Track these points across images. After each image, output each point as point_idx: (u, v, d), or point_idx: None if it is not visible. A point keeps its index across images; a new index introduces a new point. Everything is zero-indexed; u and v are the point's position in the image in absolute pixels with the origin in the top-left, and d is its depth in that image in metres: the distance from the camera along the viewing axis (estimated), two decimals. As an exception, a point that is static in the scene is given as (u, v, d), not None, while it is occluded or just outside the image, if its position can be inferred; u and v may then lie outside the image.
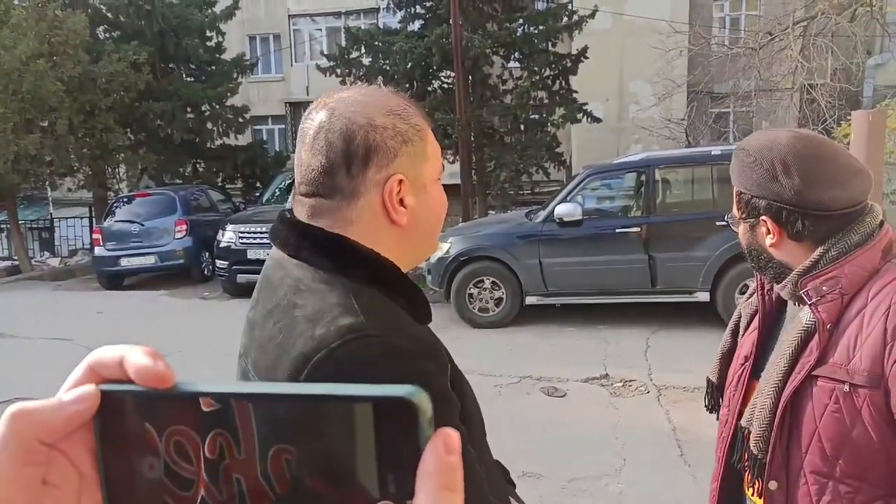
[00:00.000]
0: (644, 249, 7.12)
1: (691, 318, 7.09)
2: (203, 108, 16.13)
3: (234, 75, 16.86)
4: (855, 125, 3.93)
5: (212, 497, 0.32)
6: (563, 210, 7.25)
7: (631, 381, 5.65)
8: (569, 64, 13.66)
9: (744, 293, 1.54)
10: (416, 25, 14.06)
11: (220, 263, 10.09)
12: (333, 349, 0.77)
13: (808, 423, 1.16)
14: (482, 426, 0.97)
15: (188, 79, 16.48)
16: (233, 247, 9.83)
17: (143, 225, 11.37)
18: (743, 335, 1.44)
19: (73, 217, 17.38)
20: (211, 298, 10.25)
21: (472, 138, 12.95)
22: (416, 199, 0.92)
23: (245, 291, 9.14)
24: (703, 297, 7.03)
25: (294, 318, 0.82)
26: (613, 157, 9.76)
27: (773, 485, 1.20)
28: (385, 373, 0.76)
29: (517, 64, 13.89)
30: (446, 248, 7.58)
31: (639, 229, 7.16)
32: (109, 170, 15.31)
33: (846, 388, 1.11)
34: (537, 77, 13.48)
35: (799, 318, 1.22)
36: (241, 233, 9.85)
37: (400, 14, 14.26)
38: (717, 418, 1.52)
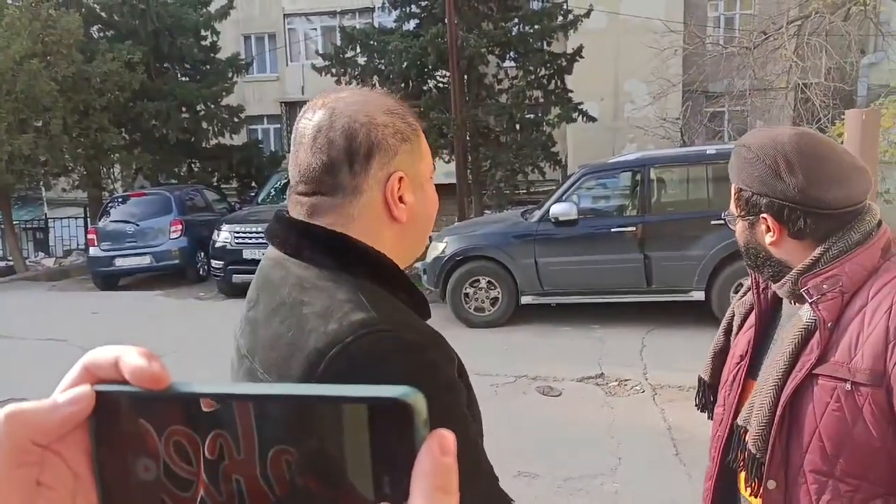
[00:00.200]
0: (639, 249, 7.13)
1: (686, 317, 7.10)
2: (198, 108, 16.09)
3: (229, 75, 16.82)
4: (848, 124, 3.95)
5: (211, 498, 0.32)
6: (559, 209, 7.26)
7: (626, 380, 5.66)
8: (564, 63, 13.68)
9: (738, 292, 1.54)
10: (411, 25, 14.06)
11: (215, 263, 10.06)
12: (348, 344, 0.78)
13: (808, 422, 1.16)
14: (481, 427, 0.97)
15: (183, 78, 16.44)
16: (228, 247, 9.82)
17: (138, 225, 11.33)
18: (737, 334, 1.43)
19: (68, 217, 17.34)
20: (206, 298, 10.23)
21: (468, 138, 12.95)
22: (414, 197, 0.94)
23: (240, 292, 9.11)
24: (699, 296, 7.05)
25: (303, 315, 0.82)
26: (609, 156, 9.77)
27: (771, 484, 1.20)
28: (397, 366, 0.78)
29: (512, 63, 13.90)
30: (442, 247, 7.58)
31: (634, 229, 7.18)
32: (104, 170, 15.27)
33: (848, 386, 1.11)
34: (533, 76, 13.50)
35: (799, 316, 1.21)
36: (237, 233, 9.83)
37: (395, 13, 14.26)
38: (709, 417, 1.51)
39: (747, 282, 1.45)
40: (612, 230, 7.28)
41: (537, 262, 7.32)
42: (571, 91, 13.73)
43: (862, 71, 12.57)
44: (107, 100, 13.44)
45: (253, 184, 16.88)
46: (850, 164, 1.21)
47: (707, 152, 7.34)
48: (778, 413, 1.18)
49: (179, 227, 11.23)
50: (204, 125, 16.26)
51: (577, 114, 13.48)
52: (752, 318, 1.39)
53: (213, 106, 16.24)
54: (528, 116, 13.55)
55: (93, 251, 11.43)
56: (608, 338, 6.89)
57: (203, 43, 16.38)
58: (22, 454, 0.31)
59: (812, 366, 1.16)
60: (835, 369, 1.13)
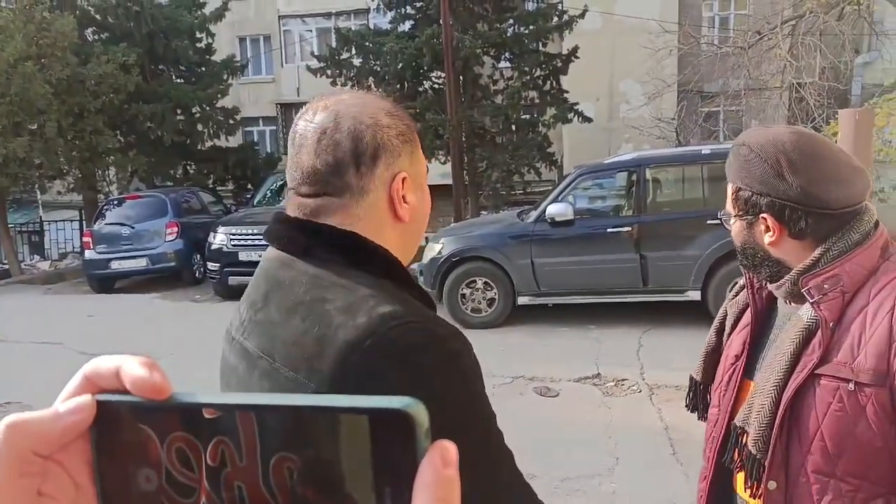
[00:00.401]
0: (635, 249, 7.14)
1: (683, 316, 7.11)
2: (193, 110, 16.06)
3: (225, 77, 16.81)
4: (842, 123, 3.96)
5: None
6: (555, 210, 7.26)
7: (623, 380, 5.66)
8: (559, 64, 13.70)
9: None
10: (406, 26, 14.06)
11: (211, 266, 10.04)
12: (381, 335, 0.79)
13: (810, 423, 1.16)
14: None
15: (178, 80, 16.41)
16: (224, 249, 9.80)
17: (133, 227, 11.30)
18: (729, 334, 1.43)
19: (63, 220, 17.29)
20: (202, 301, 10.21)
21: (464, 139, 12.96)
22: (414, 196, 0.96)
23: (237, 294, 9.10)
24: (695, 295, 7.06)
25: (326, 312, 0.83)
26: (604, 156, 9.79)
27: (772, 485, 1.20)
28: (426, 357, 0.80)
29: (508, 64, 13.91)
30: (438, 248, 7.58)
31: (630, 229, 7.18)
32: (99, 172, 15.22)
33: (851, 386, 1.11)
34: (528, 77, 13.51)
35: (799, 316, 1.21)
36: (233, 235, 9.81)
37: (390, 15, 14.26)
38: (700, 417, 1.51)
39: (740, 281, 1.45)
40: (609, 230, 7.29)
41: (534, 262, 7.33)
42: (567, 91, 13.75)
43: (856, 70, 12.61)
44: (101, 102, 13.41)
45: (249, 186, 16.86)
46: (848, 163, 1.21)
47: (702, 152, 7.36)
48: (779, 413, 1.18)
49: (175, 229, 11.20)
50: (199, 127, 16.24)
51: (572, 114, 13.50)
52: (746, 318, 1.38)
53: (208, 108, 16.22)
54: (523, 117, 13.56)
55: (88, 254, 11.39)
56: (605, 338, 6.90)
57: (198, 45, 16.36)
58: (24, 464, 0.31)
59: (814, 366, 1.15)
60: (837, 369, 1.13)
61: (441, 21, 11.64)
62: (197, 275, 11.46)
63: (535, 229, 7.39)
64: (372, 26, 15.46)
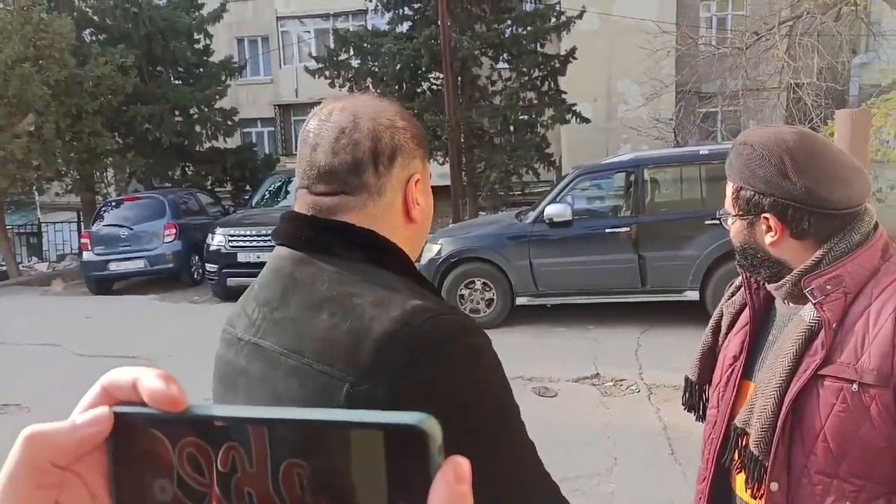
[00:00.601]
0: (634, 249, 7.15)
1: (681, 316, 7.11)
2: (191, 111, 16.06)
3: (223, 78, 16.81)
4: (838, 124, 3.97)
5: None
6: (553, 210, 7.26)
7: (622, 380, 5.67)
8: (557, 64, 13.72)
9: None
10: (404, 27, 14.07)
11: (209, 267, 10.04)
12: (415, 327, 0.81)
13: (813, 423, 1.16)
14: None
15: (176, 82, 16.42)
16: (223, 250, 9.79)
17: (131, 229, 11.29)
18: (726, 334, 1.42)
19: (61, 222, 17.27)
20: (201, 302, 10.20)
21: (462, 139, 12.97)
22: (423, 198, 0.98)
23: (235, 295, 9.08)
24: (693, 295, 7.06)
25: (357, 306, 0.84)
26: (603, 157, 9.79)
27: (774, 486, 1.19)
28: (459, 348, 0.83)
29: (506, 65, 13.93)
30: (437, 249, 7.58)
31: (628, 229, 7.19)
32: (97, 174, 15.22)
33: (855, 387, 1.11)
34: (526, 78, 13.52)
35: (800, 317, 1.20)
36: (231, 236, 9.81)
37: (388, 16, 14.27)
38: (697, 418, 1.51)
39: (737, 281, 1.44)
40: (607, 231, 7.29)
41: (532, 263, 7.33)
42: (565, 92, 13.76)
43: (853, 71, 12.63)
44: (99, 104, 13.40)
45: (247, 187, 16.85)
46: (850, 164, 1.21)
47: (700, 152, 7.37)
48: (781, 415, 1.17)
49: (173, 230, 11.19)
50: (197, 128, 16.24)
51: (570, 115, 13.51)
52: (744, 319, 1.38)
53: (206, 109, 16.22)
54: (521, 118, 13.58)
55: (86, 255, 11.38)
56: (603, 338, 6.90)
57: (196, 46, 16.36)
58: (42, 475, 0.32)
59: (817, 367, 1.15)
60: (841, 370, 1.13)
61: (439, 22, 11.65)
62: (195, 276, 11.45)
63: (534, 230, 7.39)
64: (370, 27, 15.46)
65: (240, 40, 21.44)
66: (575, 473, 3.99)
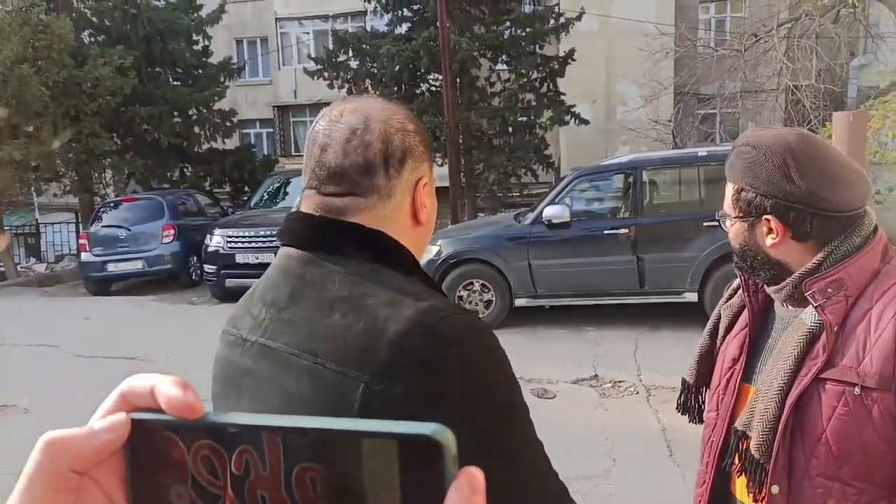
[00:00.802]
0: (632, 251, 7.15)
1: (680, 318, 7.12)
2: (190, 112, 16.05)
3: (222, 79, 16.79)
4: (836, 126, 3.98)
5: None
6: (552, 212, 7.27)
7: (620, 381, 5.67)
8: (556, 66, 13.72)
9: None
10: (403, 28, 14.08)
11: (208, 268, 10.04)
12: (429, 326, 0.82)
13: (814, 427, 1.15)
14: None
15: (175, 83, 16.40)
16: (221, 251, 9.79)
17: (130, 230, 11.28)
18: (723, 337, 1.42)
19: (60, 222, 17.24)
20: (199, 303, 10.19)
21: (461, 141, 12.98)
22: (430, 201, 0.99)
23: (233, 296, 9.07)
24: (692, 297, 7.07)
25: (369, 306, 0.85)
26: (601, 158, 9.80)
27: (775, 489, 1.19)
28: (471, 348, 0.84)
29: (505, 66, 13.93)
30: (436, 250, 7.58)
31: (627, 231, 7.19)
32: (96, 175, 15.20)
33: (857, 390, 1.11)
34: (525, 79, 13.53)
35: (801, 320, 1.20)
36: (230, 237, 9.80)
37: (387, 17, 14.28)
38: (691, 420, 1.51)
39: (735, 283, 1.44)
40: (605, 232, 7.30)
41: (531, 264, 7.33)
42: (564, 94, 13.77)
43: (852, 73, 12.64)
44: (98, 105, 13.38)
45: (245, 188, 16.85)
46: (851, 167, 1.21)
47: (699, 154, 7.38)
48: (783, 418, 1.17)
49: (172, 231, 11.18)
50: (196, 129, 16.23)
51: (569, 116, 13.52)
52: (742, 321, 1.37)
53: (205, 110, 16.21)
54: (520, 119, 13.59)
55: (84, 256, 11.38)
56: (602, 340, 6.91)
57: (195, 47, 16.35)
58: (60, 481, 0.32)
59: (818, 370, 1.15)
60: (843, 374, 1.13)
61: (438, 23, 11.65)
62: (193, 277, 11.44)
63: (532, 231, 7.40)
64: (369, 29, 15.49)
65: (239, 41, 21.44)
66: (573, 475, 3.99)
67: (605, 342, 6.81)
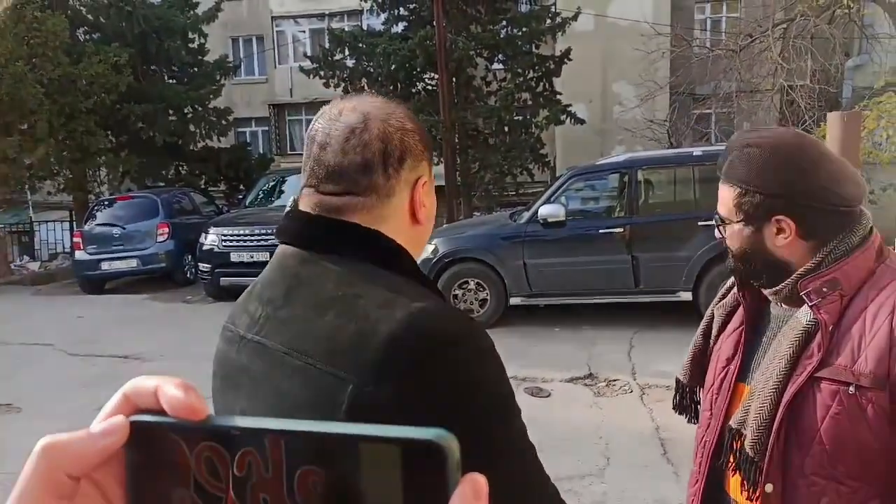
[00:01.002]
0: (627, 250, 7.16)
1: (674, 317, 7.13)
2: (185, 111, 16.01)
3: (217, 77, 16.75)
4: (830, 126, 3.99)
5: None
6: (547, 211, 7.27)
7: (615, 380, 5.68)
8: (552, 66, 13.74)
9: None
10: (399, 27, 14.07)
11: (202, 267, 10.00)
12: (421, 328, 0.81)
13: (808, 425, 1.16)
14: None
15: (170, 81, 16.35)
16: (216, 250, 9.76)
17: (124, 228, 11.24)
18: (717, 336, 1.42)
19: (54, 221, 17.15)
20: (194, 302, 10.17)
21: (457, 140, 12.97)
22: (429, 200, 0.99)
23: (228, 295, 9.06)
24: (686, 296, 7.09)
25: (362, 307, 0.84)
26: (597, 158, 9.80)
27: (769, 487, 1.19)
28: (463, 350, 0.84)
29: (501, 66, 13.94)
30: (431, 249, 7.58)
31: (622, 230, 7.21)
32: (90, 173, 15.15)
33: (851, 389, 1.11)
34: (521, 79, 13.54)
35: (797, 319, 1.20)
36: (224, 236, 9.78)
37: (383, 16, 14.27)
38: (688, 420, 1.51)
39: (728, 282, 1.44)
40: (601, 231, 7.31)
41: (526, 263, 7.34)
42: (560, 93, 13.78)
43: (846, 73, 12.69)
44: (93, 102, 13.34)
45: (241, 186, 16.81)
46: (847, 163, 1.23)
47: (694, 154, 7.39)
48: (777, 416, 1.18)
49: (166, 230, 11.16)
50: (191, 128, 16.19)
51: (565, 116, 13.53)
52: (736, 321, 1.37)
53: (200, 108, 16.17)
54: (516, 118, 13.59)
55: (78, 255, 11.33)
56: (597, 339, 6.92)
57: (190, 45, 16.30)
58: (58, 486, 0.32)
59: (813, 369, 1.15)
60: (837, 373, 1.13)
61: (434, 22, 11.65)
62: (188, 276, 11.41)
63: (528, 230, 7.40)
64: (365, 27, 15.45)
65: (234, 40, 21.39)
66: (567, 473, 4.00)
67: (600, 341, 6.82)
